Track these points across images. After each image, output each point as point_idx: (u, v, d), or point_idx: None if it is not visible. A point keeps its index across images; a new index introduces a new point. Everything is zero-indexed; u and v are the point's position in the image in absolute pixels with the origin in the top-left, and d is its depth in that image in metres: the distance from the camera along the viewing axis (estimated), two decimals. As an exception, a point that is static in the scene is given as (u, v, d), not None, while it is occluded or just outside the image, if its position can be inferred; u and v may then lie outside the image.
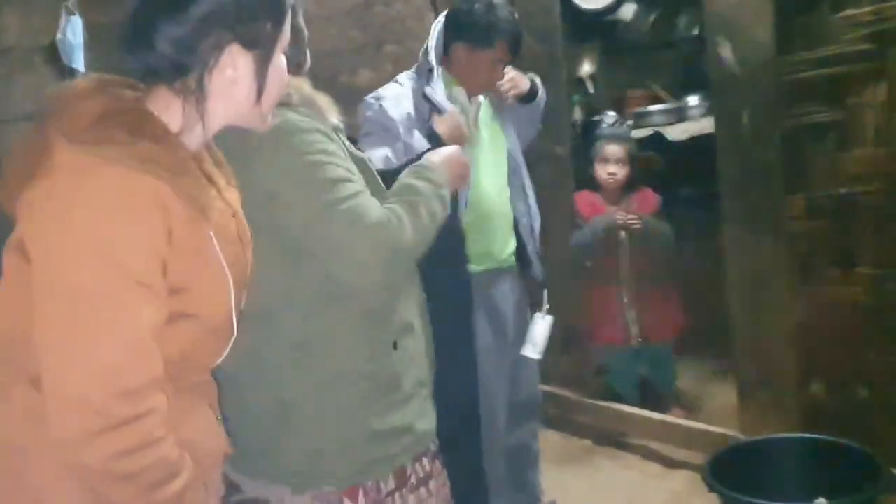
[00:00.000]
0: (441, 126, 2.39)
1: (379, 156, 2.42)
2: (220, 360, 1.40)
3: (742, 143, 2.85)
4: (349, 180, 1.58)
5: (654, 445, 3.43)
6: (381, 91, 2.59)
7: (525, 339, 2.89)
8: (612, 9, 4.79)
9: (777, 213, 2.81)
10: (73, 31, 2.62)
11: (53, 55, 2.65)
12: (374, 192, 1.72)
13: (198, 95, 1.25)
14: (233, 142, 1.48)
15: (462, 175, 1.88)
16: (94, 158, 1.14)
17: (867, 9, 2.51)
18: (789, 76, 2.71)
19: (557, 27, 3.45)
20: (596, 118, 4.73)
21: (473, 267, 2.65)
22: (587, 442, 3.65)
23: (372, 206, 1.57)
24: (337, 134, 1.69)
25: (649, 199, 3.60)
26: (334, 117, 1.70)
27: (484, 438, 2.57)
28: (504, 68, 2.67)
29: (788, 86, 2.72)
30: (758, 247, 2.88)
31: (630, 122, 4.77)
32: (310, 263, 1.58)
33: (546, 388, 3.76)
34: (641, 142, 4.64)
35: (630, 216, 3.45)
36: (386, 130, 2.48)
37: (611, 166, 3.57)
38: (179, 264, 1.20)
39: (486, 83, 2.67)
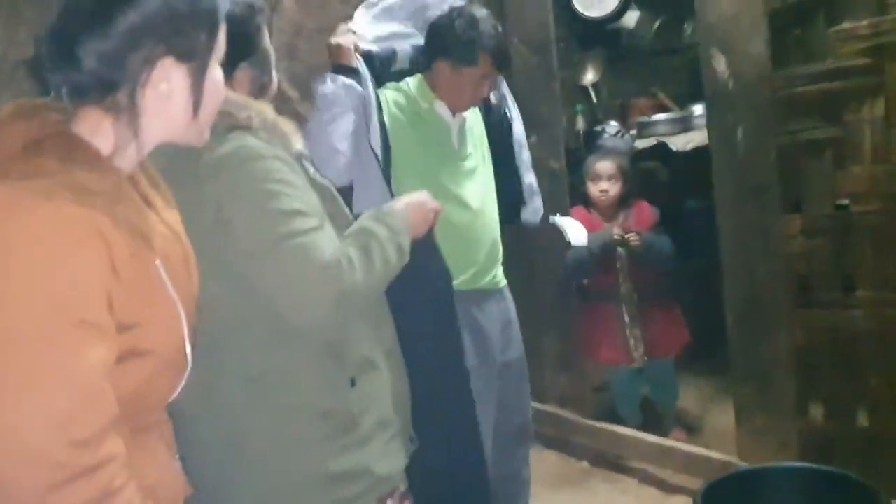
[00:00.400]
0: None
1: (344, 131, 2.38)
2: (175, 395, 1.33)
3: (737, 159, 2.76)
4: (305, 214, 1.51)
5: (652, 469, 3.33)
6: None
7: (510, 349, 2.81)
8: (615, 16, 4.70)
9: (773, 232, 2.71)
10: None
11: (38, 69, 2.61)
12: (338, 221, 1.67)
13: (130, 113, 1.17)
14: (184, 161, 1.42)
15: (427, 222, 1.82)
16: (23, 193, 1.07)
17: (864, 22, 2.41)
18: (785, 91, 2.61)
19: (551, 37, 3.37)
20: (598, 128, 4.66)
21: (458, 287, 2.59)
22: (584, 464, 3.56)
23: (325, 245, 1.50)
24: (301, 161, 1.63)
25: (646, 213, 3.51)
26: (298, 144, 1.64)
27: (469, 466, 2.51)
28: (490, 84, 2.58)
29: (784, 101, 2.62)
30: (754, 267, 2.78)
31: (633, 132, 4.70)
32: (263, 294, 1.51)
33: (543, 407, 3.70)
34: (645, 152, 4.56)
35: (629, 234, 3.35)
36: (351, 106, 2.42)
37: (602, 183, 3.48)
38: (126, 299, 1.13)
39: (471, 100, 2.58)
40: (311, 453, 1.56)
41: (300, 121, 3.49)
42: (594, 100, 4.94)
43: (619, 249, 3.37)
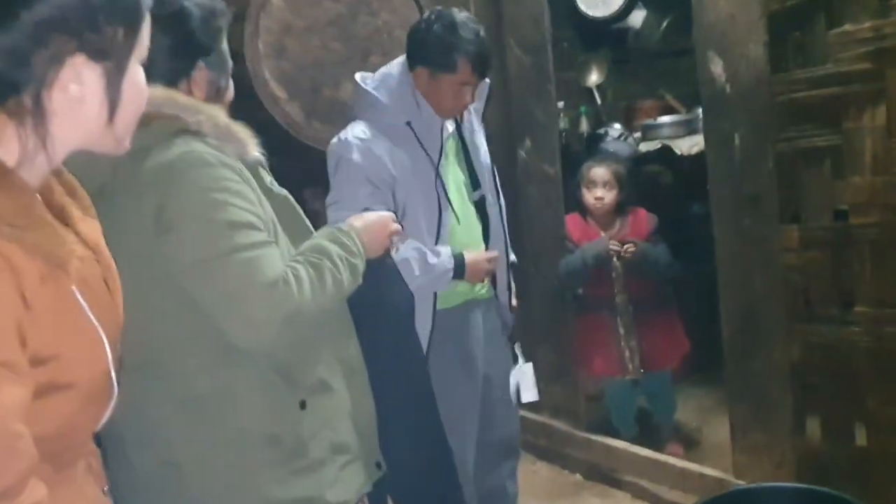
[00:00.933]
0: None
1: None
2: (101, 424, 1.24)
3: (734, 166, 2.65)
4: (253, 227, 1.43)
5: (646, 483, 3.23)
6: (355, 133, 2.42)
7: (506, 383, 2.75)
8: (620, 16, 4.61)
9: (770, 243, 2.60)
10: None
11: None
12: (295, 234, 1.60)
13: (35, 118, 1.04)
14: (127, 167, 1.34)
15: (384, 243, 1.73)
16: None
17: (866, 25, 2.29)
18: (783, 96, 2.50)
19: (547, 37, 3.26)
20: (600, 131, 4.56)
21: (442, 305, 2.50)
22: (577, 476, 3.47)
23: (270, 262, 1.42)
24: (257, 169, 1.55)
25: (643, 220, 3.40)
26: (255, 150, 1.55)
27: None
28: (472, 91, 2.47)
29: (782, 107, 2.51)
30: (750, 279, 2.68)
31: (637, 135, 4.59)
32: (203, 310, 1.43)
33: (536, 418, 3.61)
34: (650, 156, 4.45)
35: (626, 246, 3.24)
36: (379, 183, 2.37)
37: (598, 190, 3.36)
38: (41, 330, 1.02)
39: (453, 108, 2.47)
40: (253, 481, 1.48)
41: (287, 121, 3.45)
42: (599, 102, 4.83)
43: (614, 260, 3.26)
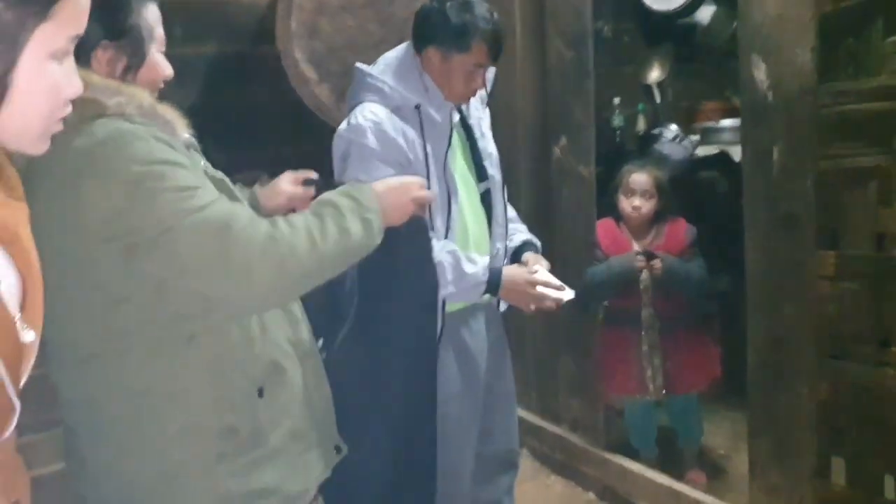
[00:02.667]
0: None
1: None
2: (6, 436, 1.14)
3: (770, 182, 2.43)
4: (204, 188, 1.35)
5: (660, 512, 3.03)
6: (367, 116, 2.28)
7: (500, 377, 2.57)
8: (687, 11, 4.34)
9: (805, 269, 2.37)
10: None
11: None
12: None
13: None
14: (51, 154, 1.24)
15: (406, 208, 1.64)
16: None
17: (926, 34, 2.04)
18: (830, 108, 2.26)
19: (589, 30, 3.06)
20: (655, 131, 4.32)
21: (448, 309, 2.36)
22: (591, 495, 3.29)
23: (238, 210, 1.36)
24: (191, 151, 1.48)
25: (680, 234, 3.17)
26: (185, 132, 1.48)
27: (446, 494, 2.30)
28: (484, 73, 2.33)
29: (827, 120, 2.27)
30: (781, 306, 2.45)
31: (696, 138, 4.34)
32: (151, 296, 1.33)
33: (556, 430, 3.45)
34: (706, 160, 4.20)
35: (653, 262, 3.03)
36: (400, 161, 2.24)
37: (636, 199, 3.14)
38: None
39: (465, 92, 2.33)
40: (208, 476, 1.41)
41: (316, 104, 3.33)
42: (658, 100, 4.58)
43: (644, 273, 3.05)
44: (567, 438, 3.37)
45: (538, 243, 2.58)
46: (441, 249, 2.22)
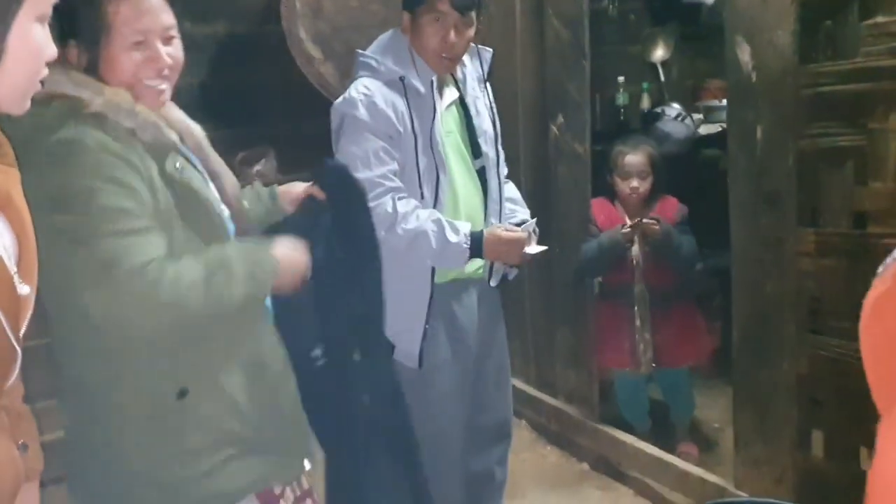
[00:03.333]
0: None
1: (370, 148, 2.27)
2: (10, 383, 1.25)
3: (754, 161, 2.48)
4: (128, 213, 1.41)
5: (650, 481, 3.12)
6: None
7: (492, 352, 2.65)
8: (692, -10, 4.37)
9: (786, 246, 2.43)
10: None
11: None
12: (197, 224, 1.55)
13: None
14: (30, 143, 1.34)
15: (295, 280, 1.67)
16: None
17: (900, 17, 2.09)
18: (809, 89, 2.31)
19: (584, 10, 3.11)
20: (657, 109, 4.36)
21: (437, 280, 2.44)
22: (584, 466, 3.37)
23: (139, 251, 1.40)
24: (170, 152, 1.52)
25: (671, 209, 3.23)
26: (171, 134, 1.54)
27: (435, 461, 2.38)
28: (453, 28, 2.30)
29: (808, 100, 2.32)
30: (763, 283, 2.51)
31: (699, 116, 4.38)
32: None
33: (551, 401, 3.53)
34: (709, 138, 4.24)
35: (649, 220, 3.09)
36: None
37: (633, 181, 3.20)
38: None
39: (438, 49, 2.33)
40: (124, 457, 1.51)
41: (320, 82, 3.42)
42: (662, 78, 4.62)
43: (635, 248, 3.12)
44: (562, 410, 3.46)
45: (533, 223, 2.59)
46: (427, 218, 2.28)
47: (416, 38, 2.34)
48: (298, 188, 1.95)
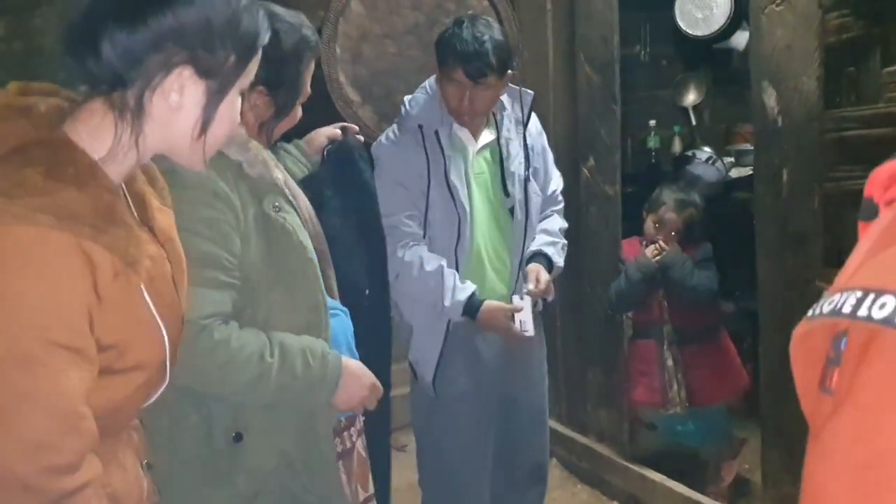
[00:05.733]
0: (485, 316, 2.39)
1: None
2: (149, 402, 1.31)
3: (780, 203, 2.54)
4: (210, 265, 1.47)
5: (680, 521, 3.13)
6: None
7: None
8: (723, 36, 4.44)
9: (813, 286, 2.47)
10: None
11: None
12: (288, 265, 1.60)
13: (135, 114, 1.12)
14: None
15: (358, 399, 1.72)
16: (4, 216, 1.01)
17: (920, 64, 2.15)
18: (833, 133, 2.37)
19: (615, 56, 3.20)
20: (688, 153, 4.43)
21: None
22: (615, 504, 3.40)
23: (203, 304, 1.46)
24: (271, 191, 1.59)
25: (693, 245, 3.25)
26: (276, 172, 1.63)
27: (450, 490, 2.45)
28: (470, 96, 2.38)
29: (831, 144, 2.38)
30: (790, 322, 2.52)
31: (730, 160, 4.43)
32: None
33: (583, 440, 3.56)
34: (740, 181, 4.28)
35: (660, 244, 3.14)
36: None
37: (662, 233, 3.20)
38: (108, 321, 1.10)
39: (455, 108, 2.43)
40: (188, 491, 1.55)
41: (360, 125, 3.53)
42: (693, 122, 4.69)
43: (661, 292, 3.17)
44: (593, 448, 3.48)
45: (551, 252, 2.63)
46: (430, 273, 2.39)
47: (441, 90, 2.46)
48: (321, 137, 2.11)
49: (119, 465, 1.25)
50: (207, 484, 1.55)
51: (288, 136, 2.03)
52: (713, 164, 4.25)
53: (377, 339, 2.07)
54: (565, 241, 2.73)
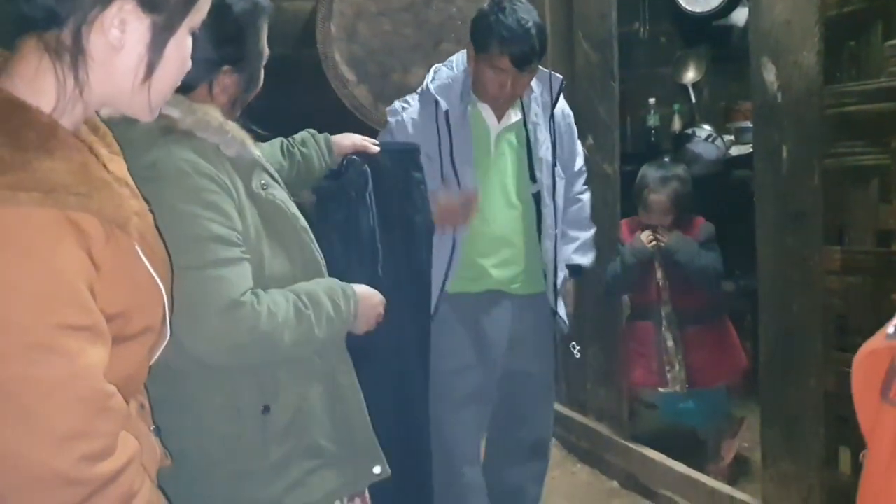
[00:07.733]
0: (438, 204, 2.32)
1: None
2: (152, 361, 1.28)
3: (780, 180, 2.51)
4: (221, 242, 1.44)
5: (679, 499, 3.12)
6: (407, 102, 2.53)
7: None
8: (722, 12, 4.40)
9: (812, 264, 2.45)
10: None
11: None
12: (284, 241, 1.59)
13: (73, 55, 1.00)
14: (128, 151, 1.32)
15: (370, 323, 1.73)
16: None
17: (922, 37, 2.12)
18: (834, 109, 2.34)
19: (613, 33, 3.17)
20: (688, 131, 4.40)
21: (459, 289, 2.50)
22: (614, 483, 3.40)
23: (236, 283, 1.44)
24: (255, 169, 1.56)
25: (695, 229, 3.23)
26: (254, 149, 1.57)
27: (446, 463, 2.45)
28: (512, 82, 2.38)
29: (832, 120, 2.35)
30: (790, 301, 2.53)
31: (730, 138, 4.40)
32: None
33: (582, 420, 3.56)
34: (740, 159, 4.25)
35: (661, 234, 3.13)
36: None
37: (654, 217, 3.21)
38: (110, 289, 1.04)
39: (492, 93, 2.42)
40: (210, 476, 1.53)
41: (355, 104, 3.50)
42: (693, 100, 4.64)
43: (659, 272, 3.14)
44: (593, 428, 3.49)
45: (584, 262, 2.75)
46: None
47: (476, 73, 2.43)
48: (348, 142, 2.11)
49: (135, 429, 1.19)
50: (243, 460, 1.53)
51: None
52: (713, 141, 4.22)
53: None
54: (594, 228, 2.80)
